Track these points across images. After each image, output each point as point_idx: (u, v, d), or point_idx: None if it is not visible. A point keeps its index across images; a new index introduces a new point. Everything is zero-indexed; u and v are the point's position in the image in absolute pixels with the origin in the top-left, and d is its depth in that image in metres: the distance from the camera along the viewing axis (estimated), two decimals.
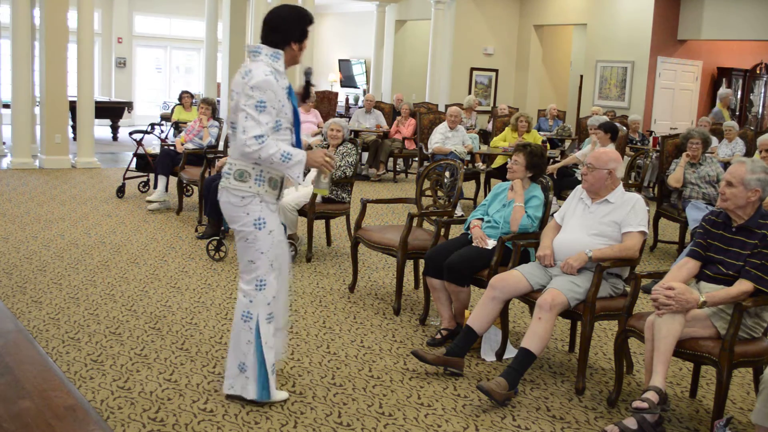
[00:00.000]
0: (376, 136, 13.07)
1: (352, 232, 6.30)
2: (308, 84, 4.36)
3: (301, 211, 7.11)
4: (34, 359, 4.53)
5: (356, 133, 12.49)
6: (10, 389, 4.09)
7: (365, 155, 13.01)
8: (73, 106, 12.91)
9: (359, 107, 15.14)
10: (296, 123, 4.08)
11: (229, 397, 4.12)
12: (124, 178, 10.14)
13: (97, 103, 13.44)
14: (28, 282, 6.12)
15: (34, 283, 6.09)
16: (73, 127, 13.62)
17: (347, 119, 12.73)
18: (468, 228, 5.32)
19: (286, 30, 3.99)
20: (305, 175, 4.01)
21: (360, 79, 20.52)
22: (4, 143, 13.78)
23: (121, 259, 6.94)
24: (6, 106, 13.35)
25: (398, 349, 5.03)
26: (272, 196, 4.00)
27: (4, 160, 12.83)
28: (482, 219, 5.32)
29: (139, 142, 9.92)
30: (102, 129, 16.68)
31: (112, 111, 17.13)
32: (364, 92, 18.77)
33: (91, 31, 12.78)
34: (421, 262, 5.80)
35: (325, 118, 12.50)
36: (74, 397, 4.04)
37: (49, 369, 4.39)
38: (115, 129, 17.35)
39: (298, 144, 4.06)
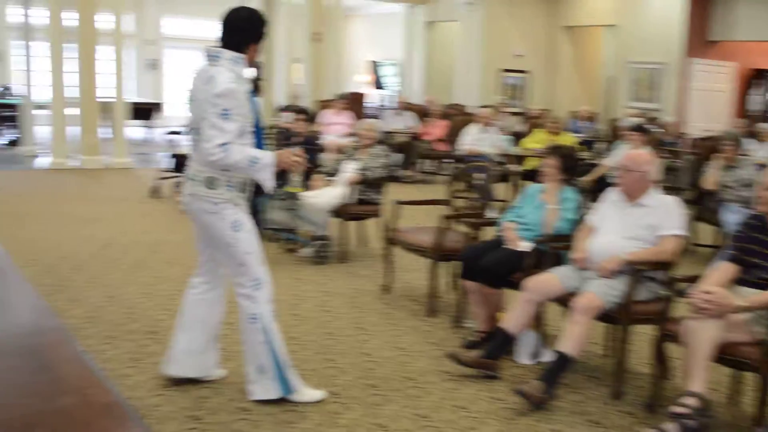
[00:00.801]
0: (408, 137, 13.05)
1: (386, 233, 6.29)
2: (257, 78, 4.33)
3: (334, 212, 7.12)
4: (73, 357, 4.60)
5: (388, 134, 12.48)
6: (51, 386, 4.15)
7: (397, 156, 12.98)
8: (108, 107, 13.04)
9: (390, 109, 15.13)
10: (258, 124, 4.04)
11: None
12: (160, 179, 10.21)
13: (131, 103, 13.56)
14: (67, 281, 6.18)
15: (73, 282, 6.16)
16: (113, 128, 13.73)
17: (379, 120, 12.73)
18: (501, 230, 5.30)
19: (247, 32, 3.96)
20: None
21: (391, 81, 20.52)
22: (40, 143, 13.95)
23: (156, 259, 7.00)
24: (43, 107, 13.53)
25: (433, 351, 5.02)
26: (242, 199, 4.01)
27: (40, 160, 12.98)
28: (515, 221, 5.30)
29: (175, 143, 9.99)
30: (136, 129, 16.82)
31: (146, 111, 17.26)
32: (396, 94, 18.76)
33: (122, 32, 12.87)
34: (455, 263, 5.78)
35: (357, 119, 12.52)
36: (112, 394, 4.10)
37: (87, 367, 4.45)
38: (149, 130, 17.49)
39: (259, 147, 4.01)
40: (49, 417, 3.77)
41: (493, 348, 4.58)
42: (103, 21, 12.44)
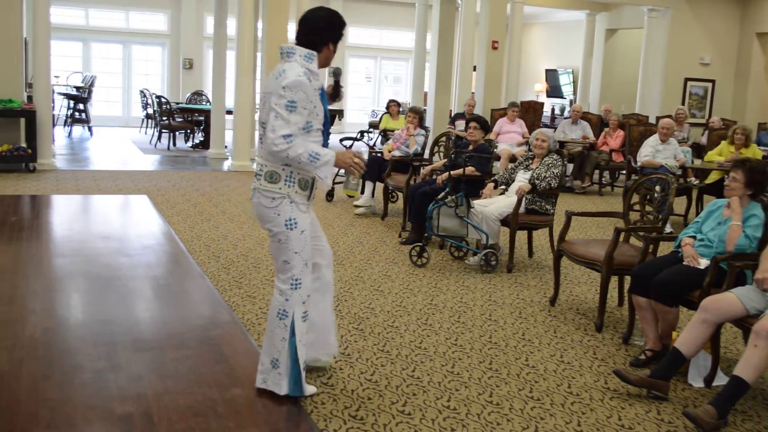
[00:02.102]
0: (582, 147, 12.78)
1: (556, 244, 6.18)
2: (337, 84, 4.27)
3: (504, 221, 7.07)
4: (247, 350, 4.79)
5: (562, 144, 12.26)
6: (225, 377, 4.34)
7: (570, 167, 12.74)
8: None
9: (565, 118, 14.86)
10: (326, 124, 4.04)
11: (259, 390, 4.13)
12: (333, 183, 10.49)
13: None
14: (243, 277, 6.46)
15: (249, 279, 6.43)
16: None
17: (553, 129, 12.53)
18: (679, 246, 5.07)
19: (325, 31, 3.99)
20: (362, 180, 3.87)
21: (566, 89, 20.14)
22: (227, 147, 14.69)
23: None
24: (228, 112, 14.25)
25: (599, 366, 4.87)
26: (302, 197, 3.99)
27: (226, 162, 13.65)
28: (694, 237, 5.05)
29: (349, 149, 10.24)
30: None
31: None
32: (571, 102, 18.40)
33: None
34: (626, 278, 5.59)
35: (530, 128, 12.38)
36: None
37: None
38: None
39: (326, 145, 4.03)
40: (221, 406, 3.95)
41: (663, 368, 4.39)
42: (290, 31, 12.94)
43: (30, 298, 5.68)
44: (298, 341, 4.02)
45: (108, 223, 8.61)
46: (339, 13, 4.11)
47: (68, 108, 17.18)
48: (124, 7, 19.38)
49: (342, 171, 8.25)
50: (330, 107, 4.20)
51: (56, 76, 16.07)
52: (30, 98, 12.33)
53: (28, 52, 12.85)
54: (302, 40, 3.98)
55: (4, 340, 4.71)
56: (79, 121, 17.16)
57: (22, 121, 11.67)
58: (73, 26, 18.81)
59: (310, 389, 4.19)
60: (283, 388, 4.08)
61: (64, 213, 9.02)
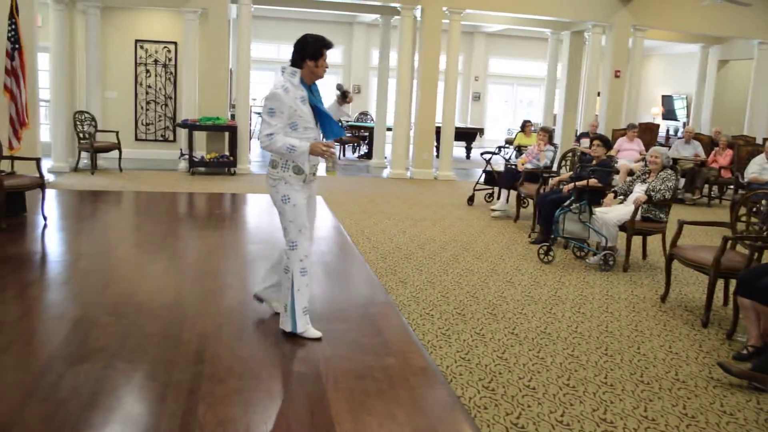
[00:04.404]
0: (694, 164, 12.12)
1: (668, 248, 5.90)
2: (342, 93, 4.43)
3: (622, 227, 6.83)
4: (398, 326, 4.85)
5: (675, 161, 11.68)
6: (381, 347, 4.41)
7: (682, 181, 12.12)
8: (437, 130, 13.60)
9: (679, 138, 14.12)
10: (324, 121, 4.27)
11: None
12: (474, 190, 10.45)
13: (456, 128, 14.02)
14: (397, 266, 6.55)
15: (402, 268, 6.50)
16: (437, 147, 14.33)
17: (667, 148, 11.96)
18: None
19: (303, 50, 4.21)
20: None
21: (680, 113, 19.15)
22: (386, 158, 14.91)
23: (467, 255, 7.17)
24: (389, 129, 14.45)
25: (704, 358, 4.62)
26: (297, 180, 4.30)
27: (385, 171, 13.86)
28: None
29: (488, 161, 10.16)
30: (458, 149, 17.37)
31: (467, 135, 17.77)
32: (684, 125, 17.50)
33: (455, 71, 13.36)
34: (732, 281, 5.27)
35: (647, 147, 11.88)
36: (426, 360, 4.25)
37: (409, 335, 4.66)
38: (468, 150, 17.98)
39: (331, 136, 4.31)
40: (377, 371, 4.02)
41: (764, 362, 4.12)
42: (442, 62, 12.99)
43: (228, 275, 5.97)
44: (296, 290, 4.35)
45: None
46: (316, 36, 4.26)
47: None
48: None
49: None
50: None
51: (253, 99, 16.81)
52: (233, 116, 12.98)
53: (233, 79, 13.51)
54: (291, 60, 4.28)
55: (209, 308, 4.98)
56: None
57: (227, 134, 12.32)
58: (267, 59, 19.63)
59: (312, 332, 4.44)
60: (288, 326, 4.40)
61: (256, 208, 9.43)
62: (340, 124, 4.55)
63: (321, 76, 4.31)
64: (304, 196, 4.36)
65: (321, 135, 4.34)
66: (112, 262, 6.18)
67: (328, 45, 4.27)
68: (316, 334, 4.43)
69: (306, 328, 4.42)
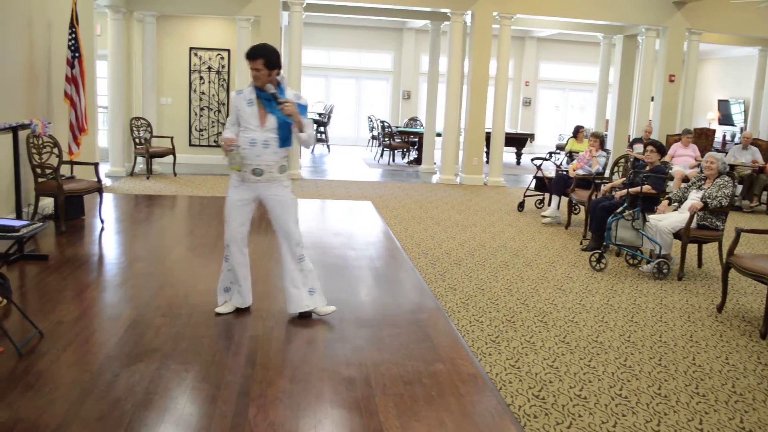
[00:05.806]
0: (752, 170, 11.79)
1: (725, 257, 5.74)
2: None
3: (676, 235, 6.67)
4: (448, 332, 4.83)
5: (732, 167, 11.39)
6: (429, 353, 4.40)
7: (740, 188, 11.79)
8: (487, 136, 13.52)
9: (736, 143, 13.77)
10: (280, 123, 4.60)
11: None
12: (525, 196, 10.35)
13: (506, 134, 13.91)
14: (447, 272, 6.52)
15: (451, 274, 6.47)
16: (487, 153, 14.24)
17: (724, 154, 11.67)
18: None
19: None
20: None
21: (737, 118, 18.65)
22: (435, 163, 14.88)
23: (518, 261, 7.10)
24: (438, 135, 14.42)
25: (763, 370, 4.48)
26: (236, 178, 4.80)
27: (434, 176, 13.83)
28: None
29: (539, 167, 10.06)
30: (508, 155, 17.23)
31: (517, 141, 17.63)
32: (741, 130, 17.03)
33: (506, 76, 13.26)
34: None
35: (703, 152, 11.60)
36: (476, 367, 4.22)
37: (458, 342, 4.63)
38: (519, 155, 17.83)
39: (284, 140, 4.69)
40: (426, 377, 4.00)
41: None
42: (492, 68, 12.91)
43: (278, 279, 6.01)
44: (223, 270, 4.93)
45: (339, 222, 8.97)
46: (250, 48, 4.54)
47: (313, 130, 18.02)
48: (357, 50, 20.14)
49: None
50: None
51: None
52: None
53: None
54: None
55: (260, 311, 5.04)
56: (321, 140, 18.01)
57: None
58: (318, 65, 19.78)
59: (222, 308, 4.96)
60: (308, 305, 4.91)
61: (307, 213, 9.51)
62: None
63: (258, 82, 4.55)
64: (240, 197, 4.85)
65: (267, 135, 4.61)
66: (166, 265, 6.30)
67: (246, 55, 4.54)
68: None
69: (219, 305, 4.96)
